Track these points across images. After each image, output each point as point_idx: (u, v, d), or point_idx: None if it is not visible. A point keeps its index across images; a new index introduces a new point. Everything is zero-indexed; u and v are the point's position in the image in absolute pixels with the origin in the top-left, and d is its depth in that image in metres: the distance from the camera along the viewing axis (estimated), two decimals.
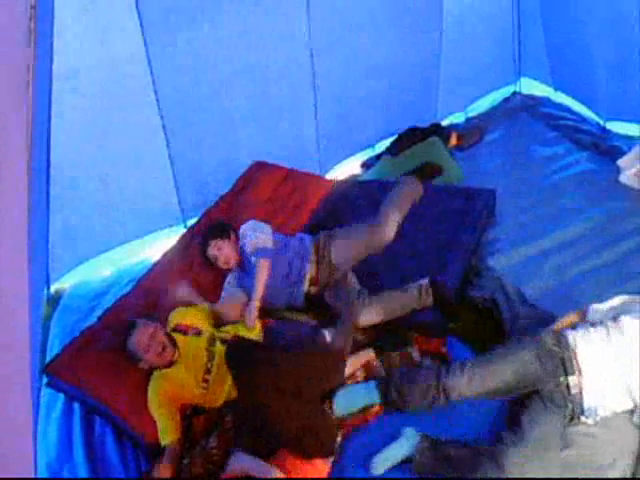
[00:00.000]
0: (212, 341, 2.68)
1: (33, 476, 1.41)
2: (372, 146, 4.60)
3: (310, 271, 3.02)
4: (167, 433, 2.49)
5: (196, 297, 2.95)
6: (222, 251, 3.07)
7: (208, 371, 2.60)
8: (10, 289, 1.30)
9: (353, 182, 4.11)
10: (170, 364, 2.60)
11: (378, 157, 4.46)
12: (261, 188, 3.69)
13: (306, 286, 3.02)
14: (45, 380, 2.84)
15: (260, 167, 3.85)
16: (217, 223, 3.28)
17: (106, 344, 2.85)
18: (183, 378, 2.58)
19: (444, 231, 3.41)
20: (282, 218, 3.54)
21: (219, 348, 2.64)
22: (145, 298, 3.13)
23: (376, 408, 2.49)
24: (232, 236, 3.12)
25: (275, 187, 3.73)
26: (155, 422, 2.54)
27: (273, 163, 3.88)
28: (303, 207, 3.64)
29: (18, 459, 1.25)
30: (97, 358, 2.79)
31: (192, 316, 2.83)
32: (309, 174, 3.93)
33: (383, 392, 2.35)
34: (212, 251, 3.09)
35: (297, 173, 3.86)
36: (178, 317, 2.79)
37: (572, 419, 2.26)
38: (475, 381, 2.24)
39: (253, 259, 3.00)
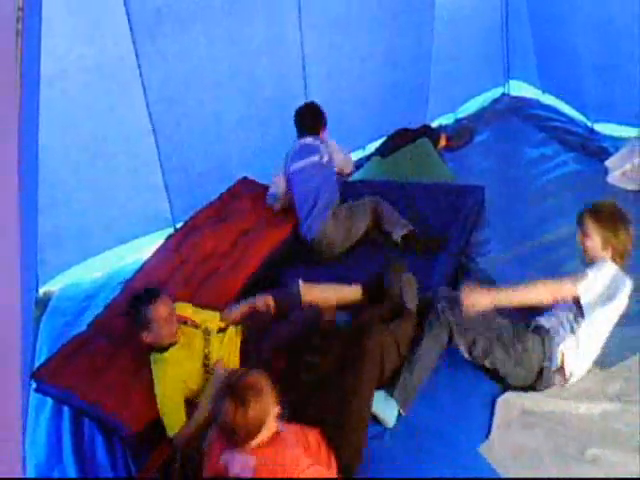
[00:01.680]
0: (207, 331, 2.73)
1: (22, 476, 1.41)
2: (362, 147, 4.61)
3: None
4: (174, 426, 2.49)
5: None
6: None
7: (207, 357, 2.65)
8: (1, 292, 1.29)
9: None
10: (169, 346, 2.61)
11: (368, 158, 4.47)
12: (246, 203, 3.69)
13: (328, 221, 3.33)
14: (33, 385, 2.83)
15: (247, 184, 3.85)
16: None
17: (94, 348, 2.88)
18: (184, 361, 2.60)
19: (434, 228, 3.44)
20: (267, 228, 3.53)
21: (214, 338, 2.72)
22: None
23: None
24: None
25: (259, 203, 3.71)
26: (142, 414, 2.56)
27: (260, 183, 3.83)
28: (288, 218, 3.61)
29: (7, 460, 1.25)
30: (85, 361, 2.81)
31: (193, 312, 2.86)
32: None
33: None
34: None
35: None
36: (180, 310, 2.80)
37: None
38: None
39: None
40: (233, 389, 1.95)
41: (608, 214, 2.54)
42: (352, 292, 2.94)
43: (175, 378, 2.57)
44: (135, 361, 2.78)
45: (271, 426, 1.99)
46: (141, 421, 2.58)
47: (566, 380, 2.53)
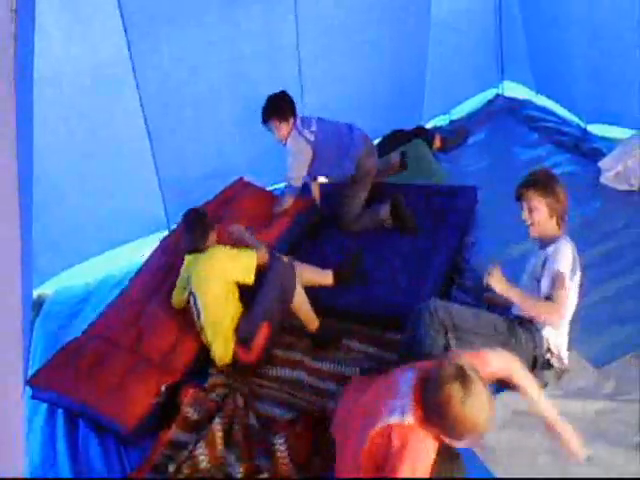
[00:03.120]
0: None
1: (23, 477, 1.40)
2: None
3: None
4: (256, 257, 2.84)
5: (249, 237, 3.12)
6: (279, 130, 3.48)
7: None
8: (3, 297, 1.29)
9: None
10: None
11: None
12: (243, 204, 3.69)
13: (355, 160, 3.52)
14: (30, 393, 2.84)
15: (244, 185, 3.85)
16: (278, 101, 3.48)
17: (88, 351, 2.90)
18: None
19: (427, 231, 3.46)
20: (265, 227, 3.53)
21: None
22: (129, 309, 3.14)
23: None
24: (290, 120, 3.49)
25: (256, 204, 3.71)
26: (136, 411, 2.62)
27: (257, 185, 3.86)
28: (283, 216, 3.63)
29: (9, 461, 1.25)
30: (78, 364, 2.84)
31: None
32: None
33: None
34: (269, 124, 3.48)
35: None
36: None
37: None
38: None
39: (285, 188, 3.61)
40: (467, 379, 1.76)
41: (545, 181, 2.54)
42: (324, 276, 3.15)
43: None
44: (128, 361, 2.82)
45: (459, 444, 1.86)
46: (135, 418, 2.61)
47: (557, 358, 2.54)
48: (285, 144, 3.52)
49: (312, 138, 3.48)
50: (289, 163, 3.51)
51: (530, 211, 2.53)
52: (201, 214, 3.00)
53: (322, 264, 3.25)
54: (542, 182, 2.54)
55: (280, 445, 2.38)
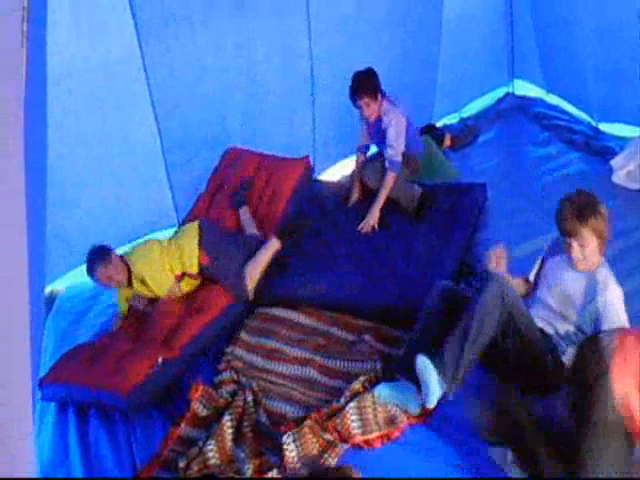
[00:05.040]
0: None
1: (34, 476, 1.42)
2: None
3: None
4: None
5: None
6: (369, 107, 3.49)
7: None
8: (9, 292, 1.30)
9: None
10: None
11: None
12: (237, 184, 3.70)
13: None
14: (39, 395, 2.87)
15: (233, 157, 3.83)
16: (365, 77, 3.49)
17: (93, 345, 3.04)
18: None
19: (437, 229, 3.46)
20: (262, 208, 3.61)
21: None
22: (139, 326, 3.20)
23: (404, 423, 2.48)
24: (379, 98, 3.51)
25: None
26: (137, 374, 2.75)
27: (246, 149, 3.86)
28: (280, 193, 3.66)
29: (19, 459, 1.26)
30: (83, 357, 2.95)
31: None
32: (281, 158, 3.87)
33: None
34: (360, 101, 3.47)
35: (270, 159, 3.84)
36: None
37: None
38: None
39: (386, 163, 3.55)
40: None
41: (591, 208, 2.24)
42: (272, 246, 3.29)
43: None
44: (129, 345, 2.95)
45: None
46: (130, 385, 2.70)
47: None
48: (376, 120, 3.57)
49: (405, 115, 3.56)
50: (391, 137, 3.51)
51: (582, 247, 2.25)
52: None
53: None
54: (591, 211, 2.22)
55: (288, 444, 2.38)
